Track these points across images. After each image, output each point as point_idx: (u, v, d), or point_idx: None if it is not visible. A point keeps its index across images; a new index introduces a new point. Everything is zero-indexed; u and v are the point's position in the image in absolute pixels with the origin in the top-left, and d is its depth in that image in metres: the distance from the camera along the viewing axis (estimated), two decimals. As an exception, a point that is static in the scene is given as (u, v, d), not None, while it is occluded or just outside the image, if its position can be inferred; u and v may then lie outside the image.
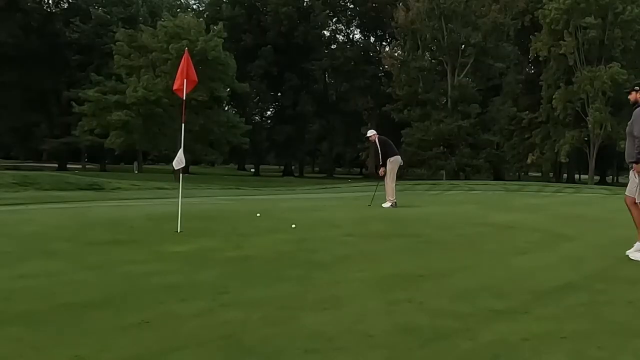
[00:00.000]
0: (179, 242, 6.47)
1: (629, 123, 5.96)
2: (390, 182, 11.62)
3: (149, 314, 3.68)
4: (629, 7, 43.29)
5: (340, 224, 8.32)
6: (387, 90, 53.32)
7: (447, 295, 4.33)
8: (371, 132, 12.10)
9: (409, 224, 8.65)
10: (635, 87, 6.03)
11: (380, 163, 11.68)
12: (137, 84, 39.44)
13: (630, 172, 6.06)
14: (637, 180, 5.95)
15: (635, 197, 6.00)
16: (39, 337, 3.25)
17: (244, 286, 4.52)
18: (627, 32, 44.10)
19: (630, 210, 6.15)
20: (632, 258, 5.99)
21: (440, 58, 53.06)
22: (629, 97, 6.09)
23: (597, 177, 53.04)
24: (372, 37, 67.23)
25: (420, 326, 3.54)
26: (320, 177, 59.83)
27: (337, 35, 67.47)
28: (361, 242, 6.82)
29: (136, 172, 49.92)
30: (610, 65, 42.82)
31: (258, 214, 7.78)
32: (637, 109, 5.88)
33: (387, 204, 11.51)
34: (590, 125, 43.99)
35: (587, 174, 51.13)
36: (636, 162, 5.79)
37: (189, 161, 38.89)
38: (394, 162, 11.76)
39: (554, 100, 45.14)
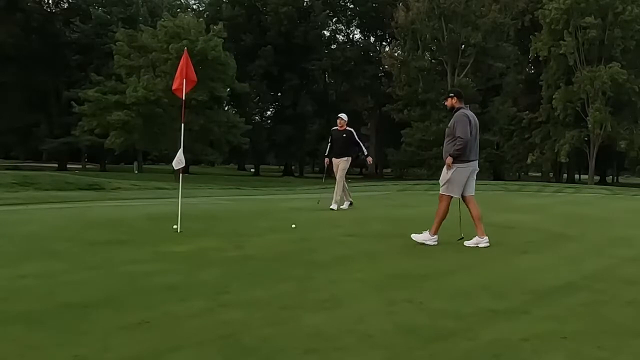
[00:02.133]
0: (179, 242, 6.46)
1: (449, 125, 6.66)
2: (342, 181, 10.62)
3: (149, 314, 3.67)
4: (629, 7, 43.26)
5: (340, 224, 8.32)
6: (387, 90, 53.32)
7: (447, 295, 4.33)
8: (346, 117, 10.94)
9: (409, 224, 8.64)
10: (450, 94, 6.74)
11: (349, 155, 10.64)
12: (137, 84, 39.44)
13: (444, 168, 6.70)
14: (447, 176, 6.61)
15: (450, 194, 6.63)
16: (39, 337, 3.25)
17: (244, 286, 4.52)
18: (627, 32, 44.07)
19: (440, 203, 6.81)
20: (467, 244, 6.52)
21: (440, 58, 53.07)
22: (445, 103, 6.81)
23: (597, 177, 53.05)
24: (372, 37, 67.19)
25: (420, 326, 3.55)
26: (320, 177, 59.74)
27: (337, 35, 67.44)
28: (361, 242, 6.82)
29: (136, 172, 49.90)
30: (610, 65, 42.79)
31: (175, 226, 7.20)
32: (457, 112, 6.59)
33: (343, 205, 10.53)
34: (590, 125, 43.99)
35: (587, 174, 51.13)
36: (452, 157, 6.52)
37: (189, 161, 38.86)
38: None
39: (554, 100, 45.13)
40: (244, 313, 3.76)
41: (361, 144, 10.80)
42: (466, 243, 6.58)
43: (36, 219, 8.75)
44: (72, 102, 43.28)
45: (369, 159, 11.10)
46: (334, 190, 10.62)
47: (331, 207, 10.34)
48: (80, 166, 55.49)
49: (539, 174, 56.42)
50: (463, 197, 6.75)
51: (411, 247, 6.59)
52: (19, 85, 51.26)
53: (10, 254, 5.72)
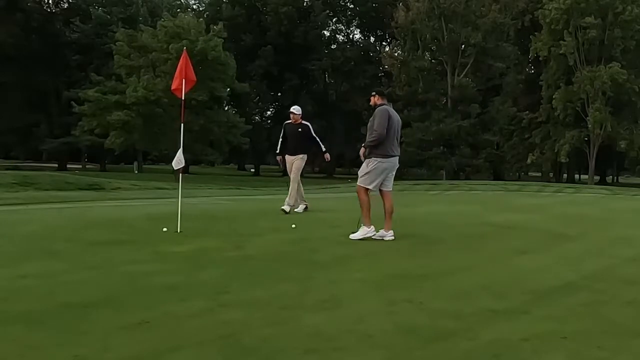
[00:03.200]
0: (179, 242, 6.46)
1: (370, 119, 7.00)
2: (297, 181, 9.74)
3: (149, 314, 3.67)
4: (629, 7, 43.29)
5: (340, 224, 8.30)
6: (387, 90, 53.29)
7: (447, 295, 4.33)
8: (300, 110, 10.14)
9: (409, 224, 8.64)
10: (373, 93, 7.14)
11: (305, 152, 9.79)
12: (137, 84, 39.45)
13: (364, 161, 6.97)
14: (367, 169, 6.87)
15: (366, 185, 6.87)
16: (39, 337, 3.24)
17: (244, 286, 4.52)
18: (627, 32, 44.10)
19: (359, 197, 7.02)
20: (352, 238, 6.76)
21: (440, 58, 53.08)
22: (370, 103, 7.13)
23: (597, 177, 53.06)
24: (372, 37, 67.26)
25: (420, 326, 3.55)
26: (320, 177, 59.81)
27: (337, 35, 67.54)
28: (361, 242, 6.81)
29: (136, 172, 49.92)
30: (610, 65, 42.82)
31: (165, 229, 7.03)
32: (377, 108, 6.92)
33: (301, 207, 9.70)
34: (590, 125, 44.02)
35: (587, 174, 51.14)
36: (365, 147, 6.90)
37: (188, 161, 38.87)
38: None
39: (554, 100, 45.15)
40: (244, 313, 3.75)
41: (318, 139, 9.94)
42: (355, 234, 6.82)
43: (36, 219, 8.75)
44: (72, 102, 43.29)
45: (327, 156, 9.98)
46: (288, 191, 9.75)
47: (283, 207, 9.38)
48: (80, 166, 55.50)
49: (539, 174, 56.45)
50: (381, 191, 7.04)
51: (411, 247, 6.60)
52: (19, 85, 51.27)
53: (10, 254, 5.72)
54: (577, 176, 62.30)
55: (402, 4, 50.72)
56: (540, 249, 6.63)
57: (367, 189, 6.89)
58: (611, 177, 70.35)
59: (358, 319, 3.66)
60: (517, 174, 58.40)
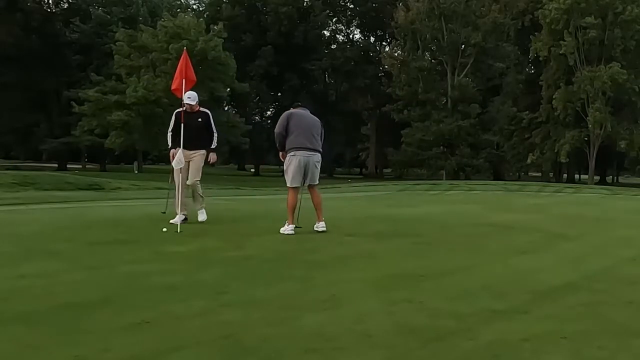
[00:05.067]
0: (179, 242, 6.46)
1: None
2: (198, 182, 8.26)
3: (149, 314, 3.67)
4: (629, 7, 43.31)
5: (340, 224, 8.31)
6: (387, 90, 53.34)
7: (447, 295, 4.33)
8: (196, 97, 8.24)
9: (409, 224, 8.65)
10: (291, 107, 7.75)
11: (205, 146, 8.20)
12: (137, 84, 39.51)
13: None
14: (285, 168, 7.36)
15: (288, 184, 7.38)
16: (39, 337, 3.24)
17: (244, 286, 4.52)
18: (627, 32, 44.12)
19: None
20: (281, 232, 7.16)
21: (440, 58, 53.13)
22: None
23: (597, 177, 53.08)
24: (372, 37, 67.26)
25: (420, 326, 3.54)
26: (320, 177, 59.80)
27: (337, 35, 67.55)
28: (361, 242, 6.81)
29: (136, 172, 49.91)
30: (610, 65, 42.84)
31: (164, 229, 7.02)
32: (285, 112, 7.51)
33: (179, 218, 7.65)
34: (590, 125, 44.03)
35: (587, 174, 51.16)
36: (281, 150, 7.48)
37: (189, 161, 38.84)
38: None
39: (554, 100, 45.17)
40: (244, 313, 3.75)
41: (215, 133, 8.36)
42: (305, 227, 7.37)
43: (36, 219, 8.75)
44: (72, 102, 43.32)
45: (212, 156, 8.27)
46: (192, 198, 8.24)
47: (200, 219, 8.13)
48: (80, 166, 55.52)
49: (539, 174, 56.46)
50: (308, 186, 7.59)
51: (411, 247, 6.60)
52: (19, 85, 51.27)
53: (10, 254, 5.71)
54: (577, 176, 62.33)
55: (402, 4, 50.77)
56: (540, 249, 6.63)
57: (293, 188, 7.38)
58: (611, 177, 70.41)
59: (358, 319, 3.66)
60: (517, 174, 58.41)
